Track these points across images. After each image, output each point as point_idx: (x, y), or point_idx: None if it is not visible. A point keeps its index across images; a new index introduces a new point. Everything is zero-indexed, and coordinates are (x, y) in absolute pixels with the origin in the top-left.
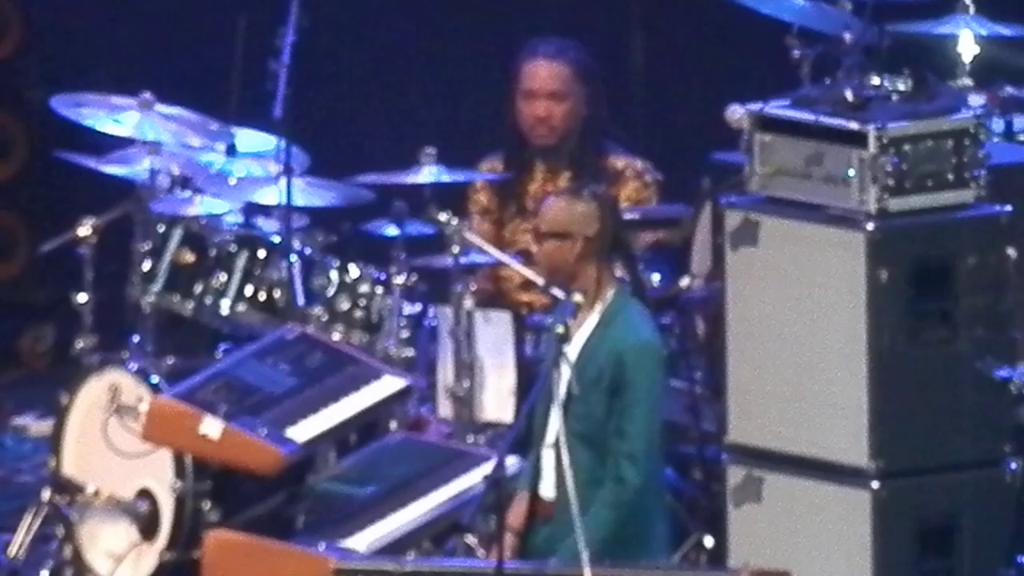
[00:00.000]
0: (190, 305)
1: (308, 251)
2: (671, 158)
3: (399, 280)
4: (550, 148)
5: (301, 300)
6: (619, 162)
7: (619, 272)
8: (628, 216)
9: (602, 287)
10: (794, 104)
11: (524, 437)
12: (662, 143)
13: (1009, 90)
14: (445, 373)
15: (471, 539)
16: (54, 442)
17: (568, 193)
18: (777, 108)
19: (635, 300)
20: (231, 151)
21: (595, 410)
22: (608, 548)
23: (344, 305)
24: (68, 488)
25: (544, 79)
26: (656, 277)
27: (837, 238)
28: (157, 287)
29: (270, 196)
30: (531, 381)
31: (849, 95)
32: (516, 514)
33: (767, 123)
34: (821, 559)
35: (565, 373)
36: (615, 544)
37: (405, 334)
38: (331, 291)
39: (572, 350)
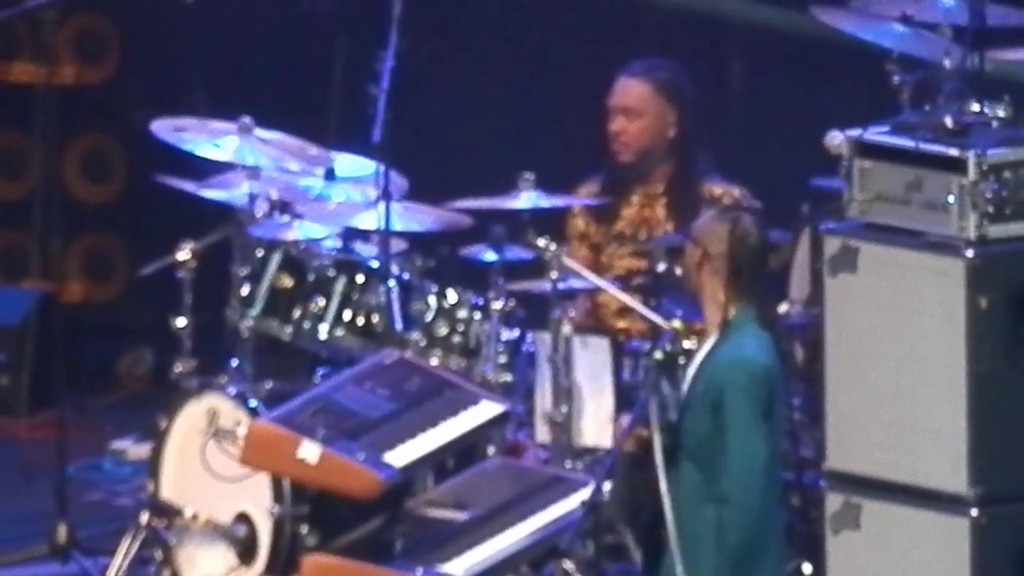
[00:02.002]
0: (288, 329)
1: (406, 276)
2: (770, 184)
3: (497, 305)
4: (628, 166)
5: (399, 325)
6: (717, 189)
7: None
8: None
9: (727, 307)
10: (894, 130)
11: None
12: (761, 169)
13: None
14: (543, 398)
15: (569, 564)
16: (152, 466)
17: (721, 209)
18: (877, 134)
19: (756, 323)
20: (330, 176)
21: (699, 426)
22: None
23: (442, 330)
24: (166, 512)
25: (619, 95)
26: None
27: (936, 265)
28: (256, 311)
29: (369, 221)
30: (629, 407)
31: (949, 121)
32: None
33: (867, 149)
34: None
35: (683, 391)
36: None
37: (503, 359)
38: (429, 316)
39: (691, 368)
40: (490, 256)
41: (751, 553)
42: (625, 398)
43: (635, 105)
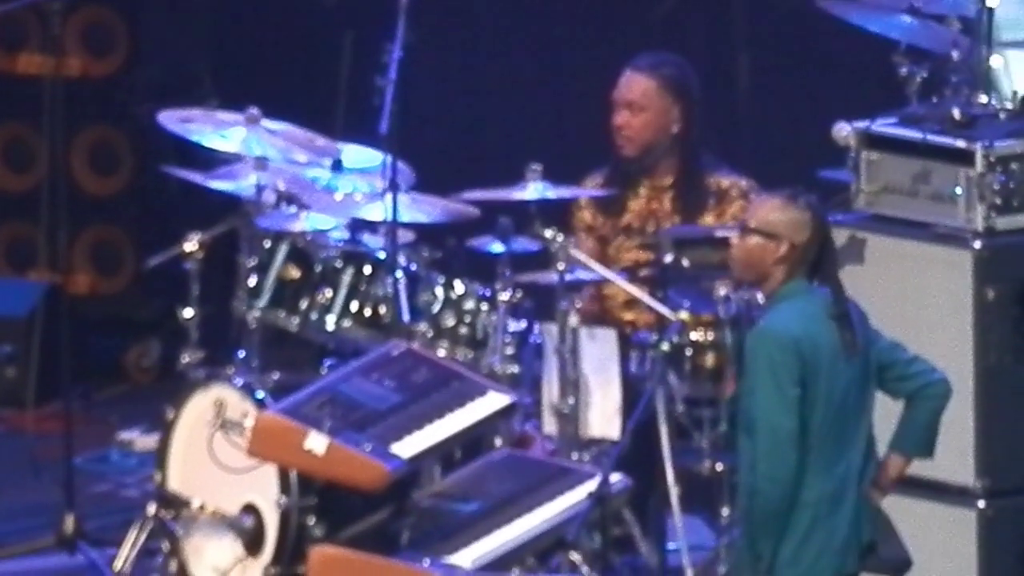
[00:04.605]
0: (296, 321)
1: (413, 267)
2: (778, 175)
3: (504, 297)
4: (631, 160)
5: (406, 316)
6: (724, 181)
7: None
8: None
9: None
10: (901, 122)
11: (629, 454)
12: (768, 161)
13: None
14: (550, 390)
15: (576, 556)
16: (160, 457)
17: (785, 196)
18: (884, 126)
19: (800, 298)
20: (337, 167)
21: (744, 400)
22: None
23: (449, 321)
24: (174, 503)
25: (623, 89)
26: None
27: (944, 256)
28: (263, 302)
29: (376, 212)
30: (636, 398)
31: (956, 113)
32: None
33: (874, 141)
34: None
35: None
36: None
37: (510, 351)
38: (436, 307)
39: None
40: (497, 247)
41: (773, 524)
42: (632, 390)
43: (639, 100)
